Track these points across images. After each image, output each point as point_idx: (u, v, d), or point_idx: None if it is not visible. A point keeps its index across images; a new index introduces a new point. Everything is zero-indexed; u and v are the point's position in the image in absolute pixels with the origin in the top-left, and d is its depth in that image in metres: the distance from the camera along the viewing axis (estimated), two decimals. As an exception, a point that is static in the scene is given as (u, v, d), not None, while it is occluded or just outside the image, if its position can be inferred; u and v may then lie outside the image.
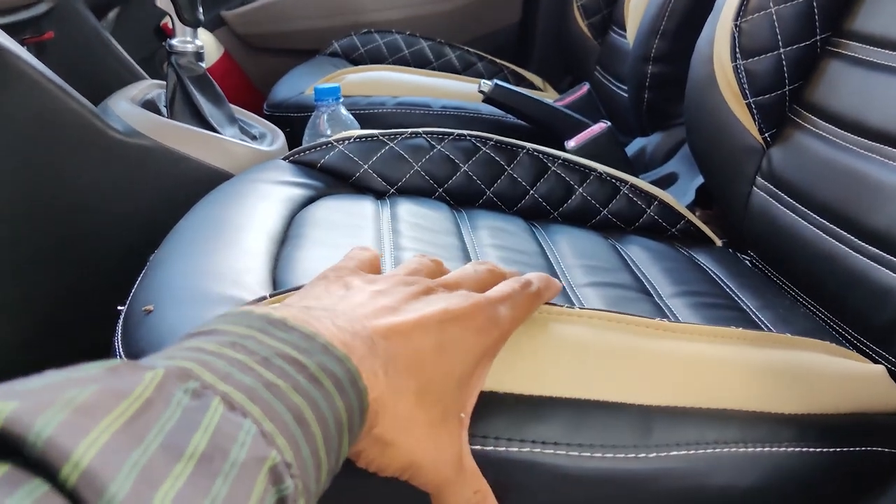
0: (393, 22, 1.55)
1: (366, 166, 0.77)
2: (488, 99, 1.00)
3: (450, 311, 0.38)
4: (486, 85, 0.99)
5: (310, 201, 0.72)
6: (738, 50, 0.76)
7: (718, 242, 0.81)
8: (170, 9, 0.90)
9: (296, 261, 0.58)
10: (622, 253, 0.72)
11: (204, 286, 0.50)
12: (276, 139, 0.95)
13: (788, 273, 0.72)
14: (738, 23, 0.76)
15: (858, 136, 0.65)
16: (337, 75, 1.17)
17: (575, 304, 0.55)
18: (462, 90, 1.16)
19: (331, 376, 0.30)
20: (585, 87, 1.05)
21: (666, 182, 1.02)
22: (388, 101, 1.09)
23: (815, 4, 0.73)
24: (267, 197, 0.68)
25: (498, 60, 1.49)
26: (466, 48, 1.49)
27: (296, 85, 1.19)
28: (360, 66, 1.22)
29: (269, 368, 0.28)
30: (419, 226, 0.68)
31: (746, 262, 0.78)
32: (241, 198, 0.67)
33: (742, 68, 0.76)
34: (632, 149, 1.11)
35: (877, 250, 0.59)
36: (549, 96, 1.49)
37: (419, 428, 0.35)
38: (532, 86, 1.48)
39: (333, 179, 0.77)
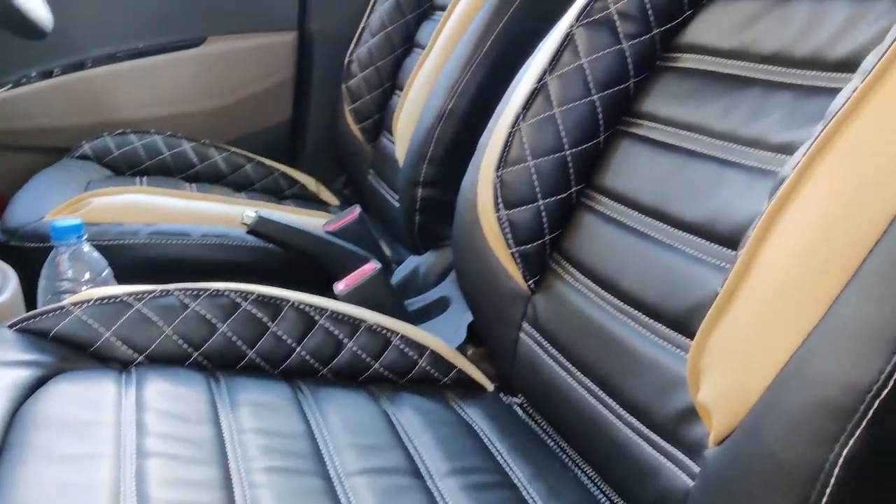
0: (152, 121, 1.45)
1: (108, 334, 0.69)
2: (252, 231, 0.95)
3: None
4: (249, 217, 0.94)
5: (38, 384, 0.62)
6: (500, 200, 0.77)
7: (490, 387, 0.80)
8: None
9: (11, 488, 0.49)
10: (394, 422, 0.69)
11: None
12: (6, 284, 0.83)
13: (558, 426, 0.73)
14: (499, 174, 0.77)
15: (614, 297, 0.67)
16: (81, 200, 1.06)
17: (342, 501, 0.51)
18: (226, 214, 1.09)
19: None
20: (356, 212, 1.03)
21: (438, 307, 1.01)
22: (141, 230, 1.01)
23: (568, 158, 0.76)
24: (-20, 392, 0.58)
25: (268, 162, 1.44)
26: (234, 149, 1.43)
27: (36, 204, 1.07)
28: (111, 189, 1.12)
29: None
30: (169, 414, 0.60)
31: (517, 409, 0.78)
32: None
33: (505, 218, 0.77)
34: (405, 268, 1.10)
35: (638, 423, 0.60)
36: (322, 199, 1.46)
37: None
38: (304, 188, 1.44)
39: (69, 351, 0.68)
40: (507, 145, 0.77)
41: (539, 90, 0.77)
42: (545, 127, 0.76)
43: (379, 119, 1.42)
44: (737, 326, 0.46)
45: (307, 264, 0.97)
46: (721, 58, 0.68)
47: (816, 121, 0.57)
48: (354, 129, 1.43)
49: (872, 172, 0.42)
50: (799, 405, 0.42)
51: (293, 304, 0.75)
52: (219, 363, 0.72)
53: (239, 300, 0.73)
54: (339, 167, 1.58)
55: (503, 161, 0.77)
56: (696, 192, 0.63)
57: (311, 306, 0.75)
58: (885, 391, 0.38)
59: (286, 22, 1.58)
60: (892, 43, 0.44)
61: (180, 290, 0.72)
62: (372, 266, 0.82)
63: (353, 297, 0.81)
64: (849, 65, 0.56)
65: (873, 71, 0.44)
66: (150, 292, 0.71)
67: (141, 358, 0.69)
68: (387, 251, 1.17)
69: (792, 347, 0.43)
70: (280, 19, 1.57)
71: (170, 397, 0.63)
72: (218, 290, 0.73)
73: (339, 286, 0.82)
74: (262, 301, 0.74)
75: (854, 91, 0.45)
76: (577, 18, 0.77)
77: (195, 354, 0.71)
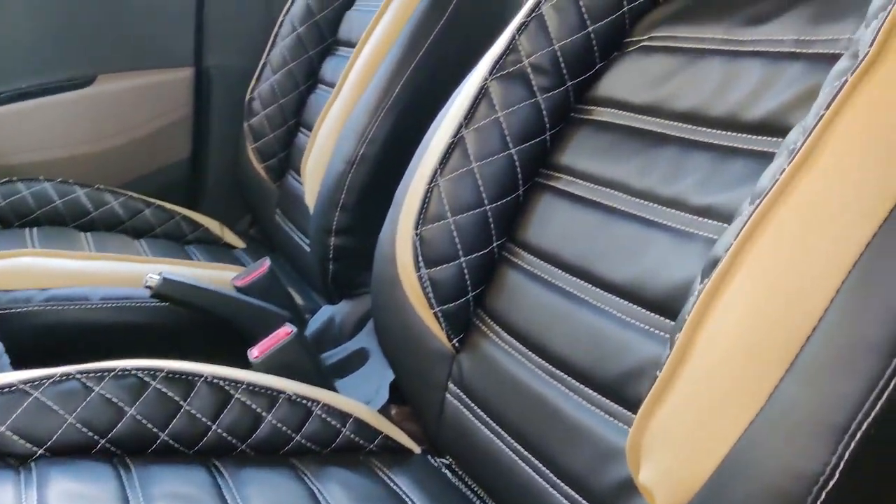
0: (41, 167, 1.36)
1: (2, 428, 0.63)
2: (157, 295, 0.90)
3: None
4: (153, 279, 0.89)
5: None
6: (420, 259, 0.75)
7: (417, 449, 0.78)
8: None
9: None
10: (321, 501, 0.65)
11: None
12: None
13: (490, 491, 0.71)
14: (418, 231, 0.75)
15: (543, 360, 0.66)
16: (-37, 265, 0.98)
17: None
18: (127, 273, 1.03)
19: None
20: (266, 265, 0.99)
21: (357, 360, 0.98)
22: (34, 295, 0.93)
23: (489, 213, 0.75)
24: None
25: (168, 206, 1.38)
26: (131, 193, 1.35)
27: None
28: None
29: None
30: (75, 520, 0.56)
31: (446, 472, 0.76)
32: None
33: (426, 277, 0.75)
34: (320, 318, 1.06)
35: (575, 493, 0.59)
36: (227, 242, 1.41)
37: None
38: (208, 232, 1.38)
39: (-43, 449, 0.61)
40: (426, 202, 0.75)
41: (456, 144, 0.76)
42: (464, 182, 0.75)
43: (284, 158, 1.37)
44: (678, 411, 0.46)
45: (218, 324, 0.93)
46: (636, 113, 0.69)
47: (735, 185, 0.58)
48: (258, 168, 1.39)
49: (805, 255, 0.42)
50: (746, 493, 0.41)
51: (206, 378, 0.70)
52: (128, 449, 0.67)
53: (147, 379, 0.68)
54: (243, 207, 1.53)
55: (422, 218, 0.75)
56: (621, 252, 0.63)
57: (225, 380, 0.71)
58: (832, 482, 0.38)
59: (182, 58, 1.51)
60: (816, 122, 0.45)
61: (82, 372, 0.67)
62: (287, 330, 0.79)
63: (268, 364, 0.77)
64: (765, 128, 0.57)
65: (799, 153, 0.44)
66: (48, 377, 0.66)
67: (41, 451, 0.64)
68: (299, 300, 1.13)
69: (735, 435, 0.42)
70: (175, 55, 1.51)
71: (76, 497, 0.58)
72: (124, 370, 0.68)
73: (254, 353, 0.78)
74: (173, 378, 0.69)
75: (782, 172, 0.45)
76: (491, 71, 0.76)
77: (102, 442, 0.66)
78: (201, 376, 0.70)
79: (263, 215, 1.41)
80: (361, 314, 1.04)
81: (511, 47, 0.76)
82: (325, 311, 1.07)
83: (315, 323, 1.06)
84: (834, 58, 0.55)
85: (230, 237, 1.41)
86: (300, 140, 1.34)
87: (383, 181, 1.01)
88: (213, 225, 1.41)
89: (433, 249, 0.75)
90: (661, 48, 0.69)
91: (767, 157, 0.56)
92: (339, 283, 1.05)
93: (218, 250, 1.34)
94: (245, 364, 0.79)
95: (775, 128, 0.56)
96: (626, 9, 0.74)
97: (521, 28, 0.76)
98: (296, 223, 1.27)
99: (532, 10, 0.76)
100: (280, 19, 1.39)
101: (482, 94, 0.76)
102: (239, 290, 0.97)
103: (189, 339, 0.88)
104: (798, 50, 0.57)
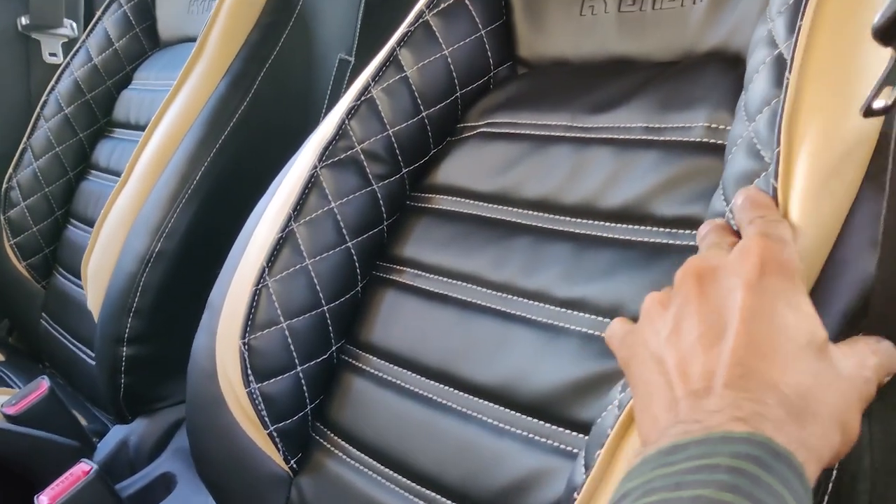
0: None
1: None
2: None
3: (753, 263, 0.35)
4: None
5: None
6: (250, 372, 0.65)
7: None
8: None
9: None
10: None
11: None
12: None
13: None
14: (246, 340, 0.66)
15: (403, 478, 0.59)
16: None
17: None
18: None
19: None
20: (44, 386, 0.83)
21: (162, 487, 0.84)
22: None
23: (326, 314, 0.67)
24: None
25: None
26: None
27: None
28: None
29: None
30: None
31: None
32: None
33: (258, 393, 0.65)
34: (110, 442, 0.91)
35: None
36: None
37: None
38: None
39: None
40: (254, 306, 0.66)
41: (285, 239, 0.67)
42: (297, 281, 0.67)
43: (51, 254, 1.20)
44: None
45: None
46: (481, 201, 0.65)
47: (601, 275, 0.55)
48: (18, 266, 1.20)
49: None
50: None
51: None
52: None
53: None
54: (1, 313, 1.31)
55: (250, 325, 0.66)
56: (484, 351, 0.58)
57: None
58: None
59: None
60: None
61: None
62: (84, 468, 0.65)
63: (64, 513, 0.62)
64: (625, 216, 0.55)
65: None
66: None
67: None
68: (82, 421, 0.96)
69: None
70: None
71: None
72: None
73: (43, 500, 0.63)
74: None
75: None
76: (321, 158, 0.69)
77: None
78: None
79: (26, 320, 1.21)
80: (161, 432, 0.90)
81: (341, 133, 0.70)
82: (117, 433, 0.92)
83: (105, 447, 0.90)
84: (689, 145, 0.55)
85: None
86: (71, 234, 1.17)
87: (183, 280, 0.90)
88: (-39, 336, 1.18)
89: (265, 360, 0.65)
90: (500, 135, 0.67)
91: (631, 246, 0.55)
92: (132, 398, 0.91)
93: (-30, 367, 1.13)
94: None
95: (636, 216, 0.55)
96: (458, 94, 0.71)
97: (351, 112, 0.70)
98: (70, 330, 1.10)
99: (361, 94, 0.70)
100: (43, 97, 1.22)
101: (312, 182, 0.69)
102: (11, 419, 0.80)
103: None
104: (649, 137, 0.57)
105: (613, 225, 0.56)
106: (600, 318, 0.53)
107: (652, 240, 0.54)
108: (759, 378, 0.32)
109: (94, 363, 1.01)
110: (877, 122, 0.40)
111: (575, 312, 0.54)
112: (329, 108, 1.02)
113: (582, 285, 0.55)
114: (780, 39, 0.45)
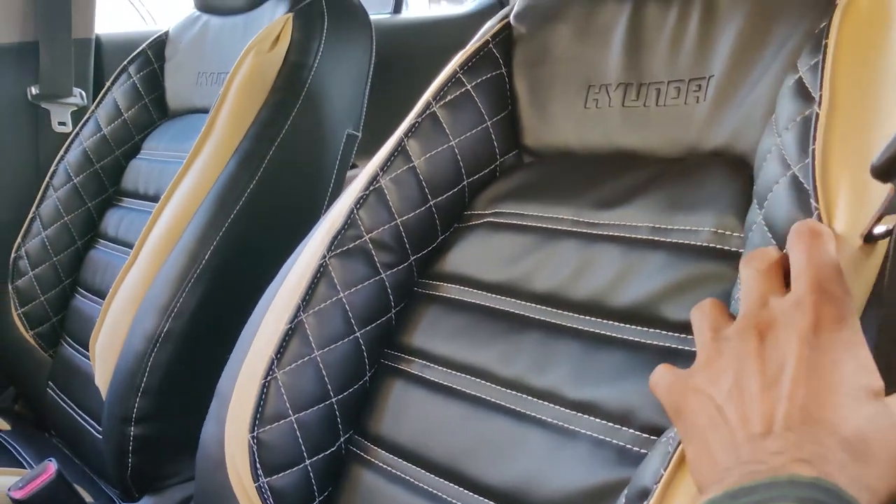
0: None
1: None
2: None
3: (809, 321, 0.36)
4: None
5: None
6: (259, 466, 0.65)
7: None
8: None
9: None
10: None
11: None
12: None
13: None
14: (255, 434, 0.66)
15: (413, 579, 0.59)
16: None
17: None
18: None
19: None
20: (52, 470, 0.82)
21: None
22: None
23: (335, 406, 0.67)
24: None
25: None
26: None
27: None
28: None
29: None
30: None
31: None
32: None
33: (266, 487, 0.65)
34: (116, 521, 0.90)
35: None
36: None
37: None
38: (-40, 416, 1.16)
39: None
40: (262, 398, 0.66)
41: (294, 330, 0.68)
42: (306, 373, 0.67)
43: (58, 323, 1.20)
44: None
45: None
46: (489, 291, 0.66)
47: (611, 378, 0.55)
48: (26, 335, 1.20)
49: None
50: None
51: None
52: None
53: None
54: (4, 378, 1.31)
55: (259, 418, 0.66)
56: (493, 450, 0.58)
57: None
58: None
59: (-76, 208, 1.30)
60: None
61: None
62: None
63: None
64: (635, 317, 0.56)
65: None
66: None
67: None
68: (87, 497, 0.95)
69: None
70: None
71: None
72: None
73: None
74: None
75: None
76: (330, 248, 0.70)
77: None
78: None
79: (33, 389, 1.21)
80: (169, 510, 0.90)
81: (350, 222, 0.71)
82: (123, 512, 0.91)
83: (110, 528, 0.90)
84: (696, 249, 0.55)
85: (-9, 426, 1.19)
86: (78, 304, 1.18)
87: (192, 360, 0.90)
88: (-33, 406, 1.18)
89: (274, 454, 0.65)
90: (508, 225, 0.67)
91: (640, 349, 0.55)
92: (140, 477, 0.90)
93: (-24, 439, 1.13)
94: None
95: (645, 317, 0.55)
96: (465, 182, 0.72)
97: (360, 202, 0.71)
98: (76, 400, 1.10)
99: (370, 183, 0.71)
100: (53, 167, 1.24)
101: (320, 272, 0.69)
102: (18, 503, 0.80)
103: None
104: (656, 238, 0.57)
105: (622, 325, 0.56)
106: (610, 424, 0.53)
107: (662, 343, 0.54)
108: (818, 422, 0.34)
109: (100, 436, 1.01)
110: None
111: (585, 416, 0.54)
112: (337, 184, 1.03)
113: (591, 387, 0.55)
114: (791, 160, 0.46)
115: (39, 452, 1.07)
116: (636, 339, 0.55)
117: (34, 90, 1.31)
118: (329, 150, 0.99)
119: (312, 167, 0.98)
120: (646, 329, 0.55)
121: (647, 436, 0.51)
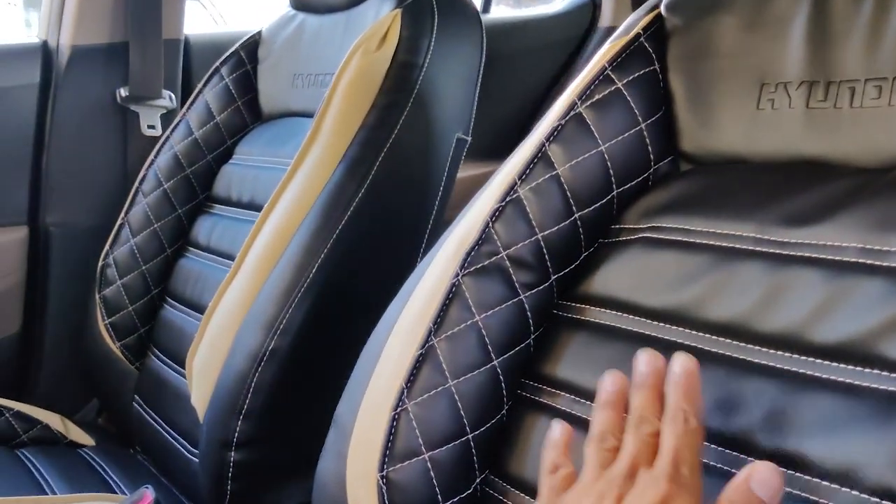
0: None
1: None
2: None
3: None
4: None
5: None
6: (388, 507, 0.58)
7: None
8: None
9: None
10: None
11: None
12: None
13: None
14: (384, 473, 0.59)
15: None
16: None
17: None
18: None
19: None
20: (149, 498, 0.77)
21: None
22: None
23: (471, 443, 0.60)
24: None
25: (-6, 400, 1.11)
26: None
27: None
28: None
29: None
30: None
31: None
32: None
33: (396, 532, 0.58)
34: (213, 553, 0.84)
35: None
36: (73, 440, 1.14)
37: None
38: (47, 429, 1.12)
39: None
40: (392, 433, 0.59)
41: (425, 357, 0.61)
42: (439, 405, 0.60)
43: (146, 334, 1.16)
44: None
45: None
46: (649, 318, 0.57)
47: (822, 428, 0.47)
48: (113, 347, 1.15)
49: None
50: None
51: None
52: None
53: None
54: (87, 392, 1.27)
55: (388, 455, 0.59)
56: None
57: None
58: None
59: (13, 215, 1.27)
60: None
61: None
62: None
63: None
64: (847, 355, 0.47)
65: None
66: None
67: None
68: (180, 523, 0.90)
69: None
70: (5, 211, 1.26)
71: None
72: None
73: None
74: None
75: None
76: (462, 266, 0.63)
77: None
78: None
79: (118, 402, 1.17)
80: (269, 544, 0.84)
81: (484, 237, 0.63)
82: (220, 542, 0.85)
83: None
84: (925, 275, 0.47)
85: (76, 433, 1.15)
86: (167, 314, 1.13)
87: (298, 380, 0.84)
88: (52, 420, 1.14)
89: (405, 496, 0.58)
90: (671, 242, 0.59)
91: (857, 393, 0.46)
92: (239, 505, 0.85)
93: (63, 455, 1.08)
94: None
95: (860, 357, 0.46)
96: (615, 193, 0.64)
97: (496, 214, 0.64)
98: (164, 416, 1.05)
99: (507, 194, 0.64)
100: (142, 173, 1.19)
101: (453, 292, 0.62)
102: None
103: None
104: (869, 261, 0.49)
105: (830, 364, 0.48)
106: (826, 483, 0.44)
107: (884, 387, 0.45)
108: None
109: (192, 456, 0.96)
110: None
111: (790, 471, 0.46)
112: (446, 191, 0.96)
113: (796, 437, 0.47)
114: None
115: (127, 473, 1.02)
116: (849, 381, 0.46)
117: (123, 92, 1.28)
118: (438, 156, 0.92)
119: (421, 174, 0.91)
120: (862, 369, 0.46)
121: (877, 500, 0.43)
